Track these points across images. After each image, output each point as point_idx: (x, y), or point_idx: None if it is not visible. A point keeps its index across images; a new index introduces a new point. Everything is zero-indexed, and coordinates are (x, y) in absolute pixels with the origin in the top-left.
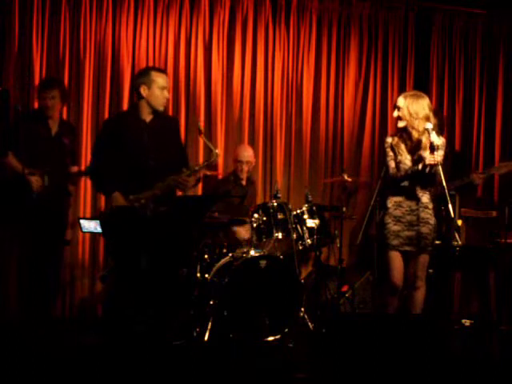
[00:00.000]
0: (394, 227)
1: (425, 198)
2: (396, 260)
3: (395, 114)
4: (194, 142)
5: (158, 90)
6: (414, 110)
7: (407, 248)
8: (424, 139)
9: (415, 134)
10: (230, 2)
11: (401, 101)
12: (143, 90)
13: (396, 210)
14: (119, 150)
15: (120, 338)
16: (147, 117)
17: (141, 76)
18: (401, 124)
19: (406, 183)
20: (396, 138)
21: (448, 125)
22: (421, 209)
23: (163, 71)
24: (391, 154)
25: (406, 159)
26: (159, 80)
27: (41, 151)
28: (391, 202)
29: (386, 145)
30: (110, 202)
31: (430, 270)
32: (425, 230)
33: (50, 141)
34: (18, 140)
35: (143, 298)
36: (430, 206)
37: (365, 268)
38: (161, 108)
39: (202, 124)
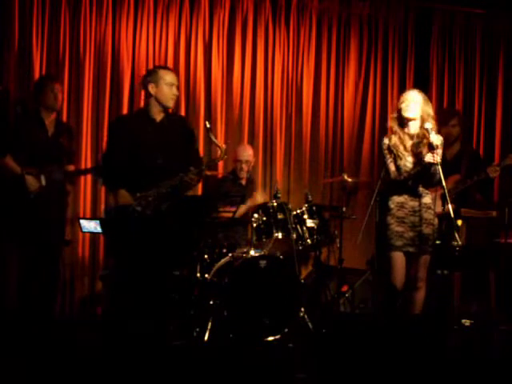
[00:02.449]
0: (397, 228)
1: (427, 198)
2: (398, 261)
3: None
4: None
5: (166, 87)
6: (426, 109)
7: (410, 249)
8: (424, 139)
9: (417, 133)
10: (230, 2)
11: (418, 95)
12: (151, 88)
13: (399, 211)
14: (129, 149)
15: (120, 338)
16: (157, 116)
17: (148, 75)
18: (410, 114)
19: (409, 182)
20: (394, 138)
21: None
22: (424, 209)
23: (171, 69)
24: (390, 155)
25: (407, 161)
26: (166, 77)
27: (38, 151)
28: (393, 202)
29: (384, 146)
30: (116, 198)
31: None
32: (428, 230)
33: (46, 141)
34: (17, 141)
35: (143, 298)
36: (433, 206)
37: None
38: (170, 104)
39: (210, 123)
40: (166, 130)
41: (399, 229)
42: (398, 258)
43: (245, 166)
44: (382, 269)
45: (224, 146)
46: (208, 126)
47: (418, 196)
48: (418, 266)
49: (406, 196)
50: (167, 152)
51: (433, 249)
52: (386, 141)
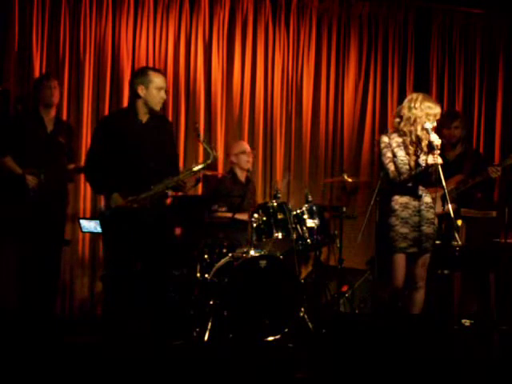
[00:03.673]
0: (401, 229)
1: (428, 197)
2: (401, 262)
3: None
4: (194, 141)
5: (156, 91)
6: None
7: (413, 249)
8: (424, 139)
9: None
10: (230, 2)
11: None
12: (141, 90)
13: (403, 212)
14: (116, 150)
15: (119, 338)
16: (143, 117)
17: (138, 76)
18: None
19: (409, 184)
20: (400, 138)
21: None
22: (426, 209)
23: (161, 71)
24: (389, 155)
25: (411, 160)
26: (157, 80)
27: (37, 150)
28: (397, 203)
29: (383, 145)
30: (109, 202)
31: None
32: (429, 230)
33: (45, 139)
34: (16, 140)
35: (142, 298)
36: (433, 205)
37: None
38: (157, 108)
39: (198, 126)
40: (152, 132)
41: (404, 230)
42: (401, 260)
43: (250, 158)
44: (382, 269)
45: (215, 153)
46: (198, 130)
47: (419, 196)
48: (418, 266)
49: (408, 196)
50: (156, 154)
51: (433, 248)
52: (385, 139)
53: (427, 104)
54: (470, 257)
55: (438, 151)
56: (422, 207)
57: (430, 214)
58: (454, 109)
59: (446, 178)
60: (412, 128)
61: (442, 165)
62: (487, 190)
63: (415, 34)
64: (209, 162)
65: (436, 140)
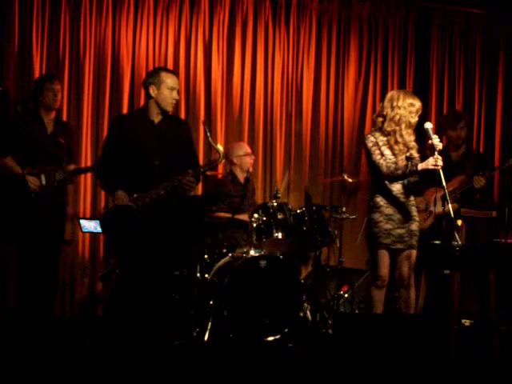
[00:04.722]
0: (385, 225)
1: (412, 195)
2: (385, 258)
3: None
4: (194, 141)
5: (167, 91)
6: None
7: (399, 246)
8: (413, 139)
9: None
10: (230, 2)
11: None
12: (152, 90)
13: (388, 208)
14: (125, 149)
15: (120, 338)
16: (156, 117)
17: (150, 76)
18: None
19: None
20: (384, 138)
21: None
22: (410, 207)
23: (173, 72)
24: (379, 151)
25: (399, 160)
26: (168, 80)
27: (37, 150)
28: (382, 200)
29: (371, 144)
30: (112, 200)
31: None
32: (414, 227)
33: (45, 140)
34: (17, 141)
35: (143, 298)
36: (415, 203)
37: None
38: (169, 108)
39: (202, 119)
40: (163, 132)
41: (388, 226)
42: (385, 255)
43: (252, 157)
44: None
45: (222, 149)
46: (207, 130)
47: (404, 193)
48: (407, 263)
49: (393, 193)
50: (164, 154)
51: (419, 245)
52: (372, 138)
53: (409, 101)
54: (470, 257)
55: (439, 156)
56: (406, 205)
57: (413, 211)
58: (456, 109)
59: (450, 178)
60: (397, 128)
61: (444, 165)
62: (485, 193)
63: (415, 34)
64: (218, 161)
65: (439, 144)
